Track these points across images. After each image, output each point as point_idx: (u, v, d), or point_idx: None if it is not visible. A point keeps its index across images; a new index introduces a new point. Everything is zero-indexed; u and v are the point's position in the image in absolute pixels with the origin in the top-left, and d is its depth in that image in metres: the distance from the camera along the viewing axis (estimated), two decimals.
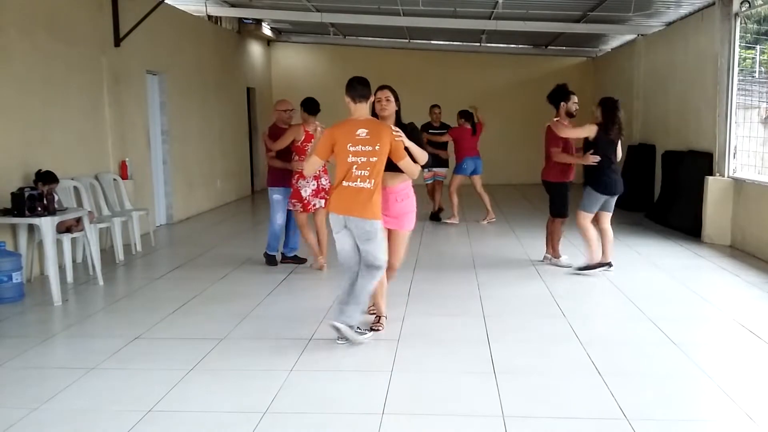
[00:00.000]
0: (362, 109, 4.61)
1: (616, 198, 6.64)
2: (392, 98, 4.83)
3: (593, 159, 6.43)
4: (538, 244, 7.86)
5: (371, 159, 4.49)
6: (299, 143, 6.58)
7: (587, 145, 6.57)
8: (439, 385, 4.00)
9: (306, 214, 6.75)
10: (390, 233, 4.86)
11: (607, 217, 6.68)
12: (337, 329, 4.54)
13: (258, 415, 3.54)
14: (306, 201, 6.64)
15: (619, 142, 6.57)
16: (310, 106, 6.69)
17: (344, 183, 4.55)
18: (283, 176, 6.86)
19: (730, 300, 5.94)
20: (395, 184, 4.76)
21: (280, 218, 6.97)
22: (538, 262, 7.26)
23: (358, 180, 4.50)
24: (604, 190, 6.52)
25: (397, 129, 4.59)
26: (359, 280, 4.63)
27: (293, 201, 6.71)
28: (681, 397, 3.86)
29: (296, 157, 6.61)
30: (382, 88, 4.88)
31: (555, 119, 6.77)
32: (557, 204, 7.04)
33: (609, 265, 6.70)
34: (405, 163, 4.59)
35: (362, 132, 4.51)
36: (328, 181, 6.72)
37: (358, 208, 4.48)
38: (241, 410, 3.61)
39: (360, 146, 4.49)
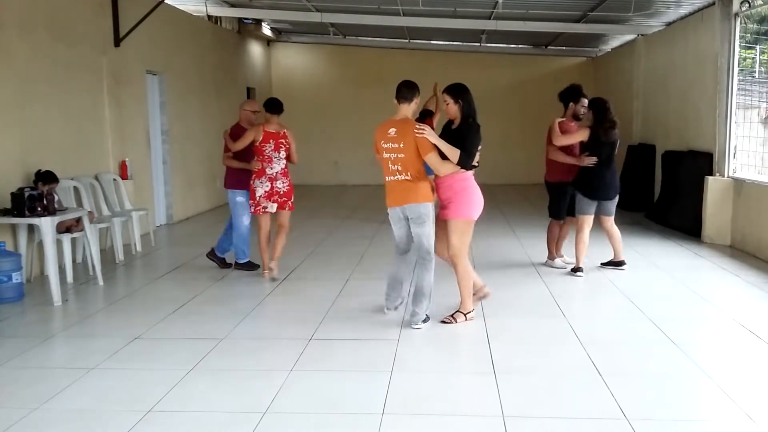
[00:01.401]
0: (403, 110, 4.99)
1: (611, 201, 6.60)
2: (450, 100, 5.03)
3: (589, 161, 6.40)
4: (538, 244, 7.85)
5: (399, 155, 4.91)
6: (258, 143, 6.35)
7: (583, 147, 6.52)
8: (439, 385, 4.01)
9: (265, 217, 6.47)
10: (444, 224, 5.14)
11: (608, 220, 6.69)
12: (419, 327, 5.00)
13: (258, 415, 3.54)
14: (256, 201, 6.40)
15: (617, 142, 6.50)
16: (272, 106, 6.43)
17: (387, 178, 5.02)
18: (244, 178, 6.61)
19: (730, 300, 5.94)
20: (441, 177, 5.02)
21: (246, 220, 6.75)
22: (539, 263, 7.24)
23: (397, 174, 4.94)
24: (588, 193, 6.50)
25: (420, 126, 4.84)
26: (418, 274, 5.09)
27: (250, 202, 6.48)
28: (681, 397, 3.86)
29: (256, 158, 6.41)
30: (443, 91, 5.12)
31: (560, 119, 6.71)
32: (552, 204, 6.96)
33: (621, 263, 6.83)
34: (429, 158, 4.86)
35: (392, 131, 4.93)
36: (285, 184, 6.44)
37: (411, 196, 4.92)
38: (241, 410, 3.61)
39: (390, 143, 4.93)
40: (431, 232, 5.01)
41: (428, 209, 4.95)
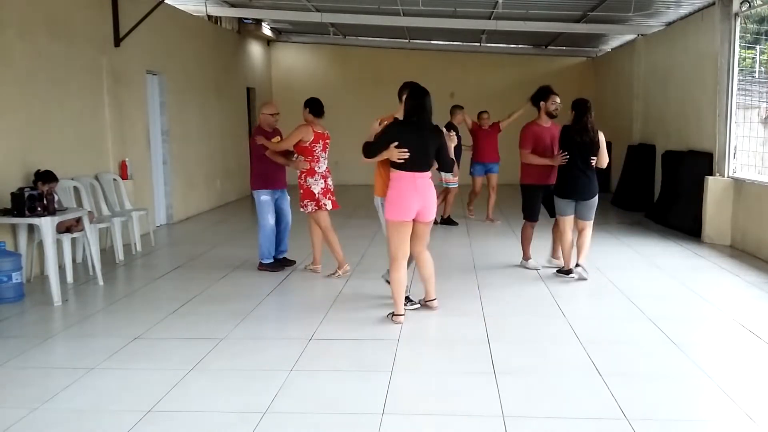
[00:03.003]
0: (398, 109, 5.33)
1: (588, 203, 6.44)
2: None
3: (562, 159, 6.35)
4: (538, 244, 7.84)
5: None
6: (307, 144, 6.46)
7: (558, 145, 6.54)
8: (439, 385, 4.01)
9: (323, 213, 6.60)
10: None
11: (583, 224, 6.51)
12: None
13: (258, 415, 3.54)
14: (317, 198, 6.54)
15: (603, 146, 6.37)
16: (318, 109, 6.62)
17: None
18: (268, 177, 6.75)
19: (730, 300, 5.94)
20: None
21: (271, 218, 6.80)
22: (540, 263, 7.23)
23: None
24: (560, 192, 6.49)
25: (380, 119, 5.32)
26: None
27: (306, 201, 6.54)
28: (681, 397, 3.86)
29: (300, 158, 6.52)
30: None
31: (535, 121, 6.78)
32: (526, 206, 6.94)
33: (569, 272, 6.55)
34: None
35: None
36: (332, 183, 6.69)
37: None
38: (241, 410, 3.61)
39: None
40: (382, 221, 5.41)
41: (378, 202, 5.45)
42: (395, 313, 5.15)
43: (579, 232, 6.57)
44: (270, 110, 6.94)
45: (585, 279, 6.44)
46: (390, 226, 5.13)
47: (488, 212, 10.20)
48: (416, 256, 5.33)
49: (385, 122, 5.31)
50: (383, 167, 5.28)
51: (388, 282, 5.39)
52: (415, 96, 5.09)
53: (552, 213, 6.88)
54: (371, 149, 5.16)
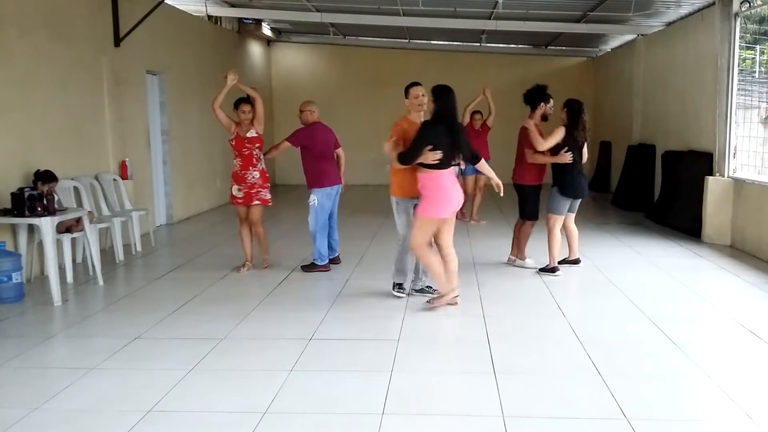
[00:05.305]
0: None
1: (580, 200, 6.79)
2: (430, 99, 5.42)
3: (568, 157, 6.46)
4: (537, 244, 7.86)
5: None
6: (230, 140, 6.87)
7: (558, 146, 6.53)
8: (439, 385, 4.01)
9: (243, 208, 6.77)
10: None
11: (571, 218, 6.88)
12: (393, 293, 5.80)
13: (258, 415, 3.54)
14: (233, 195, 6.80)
15: (585, 144, 6.61)
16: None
17: None
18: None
19: (730, 300, 5.94)
20: (420, 174, 5.38)
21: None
22: (539, 263, 7.24)
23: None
24: (568, 192, 6.61)
25: (396, 123, 5.49)
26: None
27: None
28: (681, 397, 3.86)
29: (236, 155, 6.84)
30: (415, 84, 5.59)
31: (530, 121, 6.77)
32: (530, 206, 6.93)
33: (577, 261, 6.95)
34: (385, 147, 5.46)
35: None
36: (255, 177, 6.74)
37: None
38: (241, 410, 3.61)
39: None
40: (399, 221, 5.61)
41: (393, 201, 5.60)
42: (444, 294, 5.46)
43: (568, 226, 6.86)
44: (300, 107, 7.21)
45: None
46: (428, 223, 5.29)
47: (473, 213, 10.13)
48: (447, 252, 5.48)
49: (402, 125, 5.46)
50: (410, 169, 5.34)
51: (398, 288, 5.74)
52: (444, 95, 5.30)
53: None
54: (411, 155, 5.22)
